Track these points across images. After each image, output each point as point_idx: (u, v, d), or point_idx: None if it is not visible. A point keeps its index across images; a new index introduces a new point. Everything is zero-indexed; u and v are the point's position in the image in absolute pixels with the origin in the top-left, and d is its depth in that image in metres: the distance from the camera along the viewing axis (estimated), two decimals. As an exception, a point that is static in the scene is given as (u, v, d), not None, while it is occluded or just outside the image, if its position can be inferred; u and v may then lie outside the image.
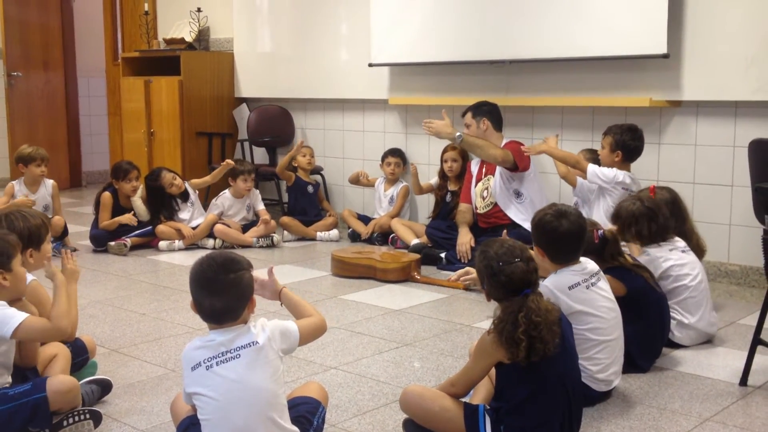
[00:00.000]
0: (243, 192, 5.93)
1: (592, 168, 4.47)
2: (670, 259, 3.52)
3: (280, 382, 2.28)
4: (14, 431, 2.53)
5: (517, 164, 4.87)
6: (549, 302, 2.40)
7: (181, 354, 2.28)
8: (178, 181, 5.80)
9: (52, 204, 5.63)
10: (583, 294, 2.82)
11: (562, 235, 2.79)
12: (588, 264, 2.90)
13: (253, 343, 2.24)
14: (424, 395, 2.53)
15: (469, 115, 5.10)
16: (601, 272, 2.94)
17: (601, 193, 4.48)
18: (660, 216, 3.55)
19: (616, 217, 3.62)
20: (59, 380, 2.59)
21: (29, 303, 2.73)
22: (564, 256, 2.85)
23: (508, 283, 2.38)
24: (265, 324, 2.31)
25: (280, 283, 2.57)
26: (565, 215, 2.81)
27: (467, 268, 2.96)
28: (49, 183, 5.66)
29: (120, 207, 5.69)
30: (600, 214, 4.37)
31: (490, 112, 5.09)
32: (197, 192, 5.99)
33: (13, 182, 5.63)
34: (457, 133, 4.92)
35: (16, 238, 2.70)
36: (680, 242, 3.61)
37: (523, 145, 4.95)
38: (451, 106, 5.76)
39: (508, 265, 2.38)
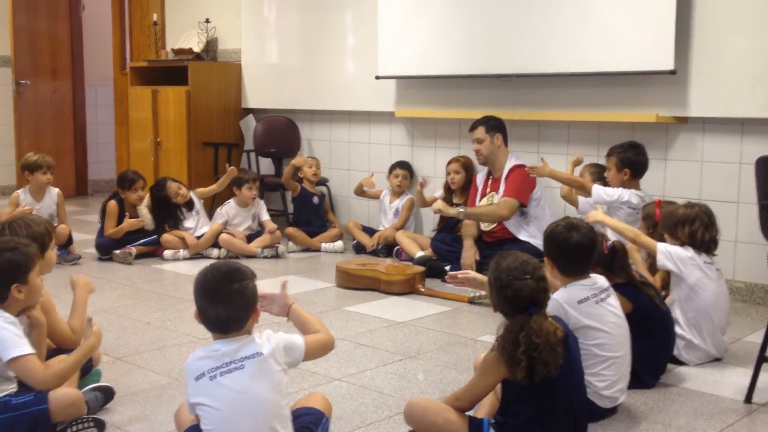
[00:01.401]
0: (248, 201, 5.93)
1: (596, 189, 4.45)
2: (701, 273, 3.51)
3: (283, 393, 2.28)
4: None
5: (523, 203, 4.91)
6: (553, 323, 2.39)
7: (184, 363, 2.28)
8: (183, 190, 5.81)
9: (57, 212, 5.63)
10: (592, 309, 2.81)
11: (572, 247, 2.81)
12: (598, 279, 2.91)
13: (257, 354, 2.23)
14: (428, 408, 2.52)
15: (482, 129, 5.09)
16: (612, 288, 2.94)
17: (607, 214, 4.45)
18: (715, 228, 3.57)
19: (668, 217, 3.62)
20: (63, 393, 2.58)
21: (41, 312, 2.74)
22: (574, 269, 2.86)
23: (515, 299, 2.38)
24: (271, 336, 2.30)
25: (291, 299, 2.54)
26: (575, 228, 2.83)
27: (468, 271, 2.95)
28: (54, 191, 5.65)
29: (126, 216, 5.70)
30: (608, 234, 4.36)
31: (501, 128, 5.11)
32: (203, 201, 6.00)
33: (18, 191, 5.62)
34: (460, 209, 4.98)
35: (36, 249, 2.70)
36: (715, 262, 3.62)
37: (523, 170, 4.96)
38: (457, 120, 5.78)
39: (518, 281, 2.37)
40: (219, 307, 2.22)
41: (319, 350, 2.45)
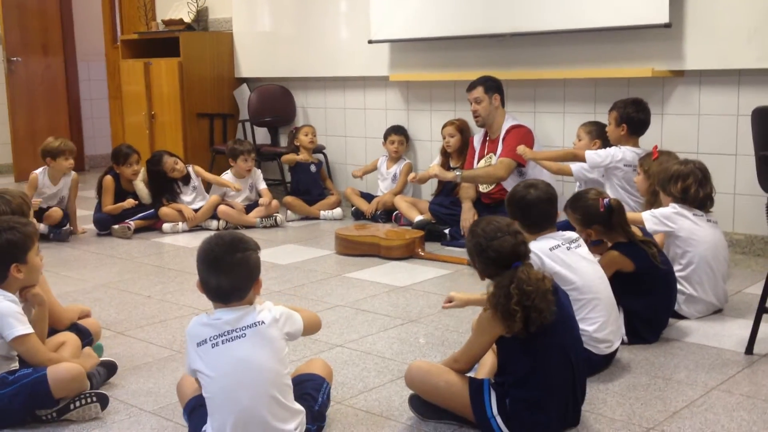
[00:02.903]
0: (244, 172, 5.91)
1: (588, 154, 4.44)
2: (691, 222, 3.53)
3: (284, 363, 2.28)
4: (18, 414, 2.55)
5: (521, 163, 4.87)
6: (540, 272, 2.42)
7: (186, 328, 2.29)
8: (180, 165, 5.79)
9: (68, 196, 5.55)
10: (564, 255, 2.87)
11: (532, 203, 2.91)
12: (567, 233, 2.98)
13: (258, 322, 2.24)
14: (429, 371, 2.53)
15: (480, 89, 5.04)
16: (581, 240, 3.00)
17: (607, 177, 4.44)
18: (709, 185, 3.59)
19: (661, 172, 3.64)
20: (64, 368, 2.59)
21: (42, 290, 2.75)
22: (538, 225, 2.92)
23: (498, 258, 2.41)
24: (271, 306, 2.32)
25: None
26: (533, 185, 2.98)
27: (450, 294, 3.00)
28: (71, 176, 5.53)
29: (122, 190, 5.70)
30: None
31: (499, 88, 5.07)
32: (200, 177, 5.96)
33: (37, 172, 5.43)
34: (457, 172, 4.94)
35: (35, 228, 2.72)
36: (711, 216, 3.62)
37: (523, 130, 4.95)
38: (452, 81, 5.74)
39: (496, 240, 2.41)
40: (221, 276, 2.23)
41: (312, 327, 2.49)
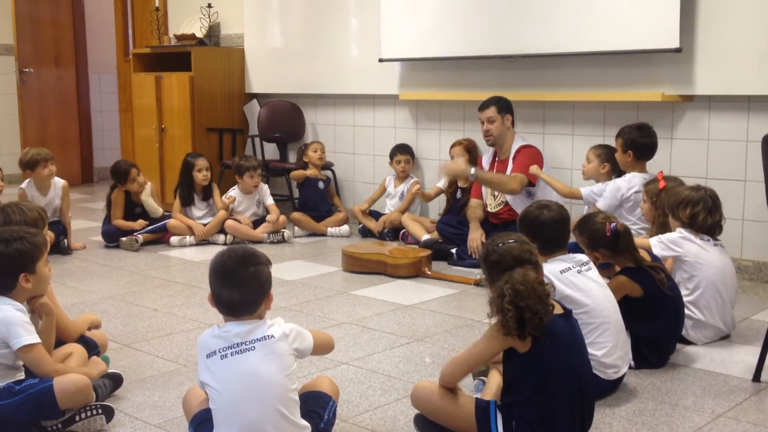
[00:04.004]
0: (250, 188, 5.93)
1: (584, 192, 4.56)
2: (698, 247, 3.53)
3: (292, 378, 2.29)
4: (24, 425, 2.55)
5: (531, 182, 4.88)
6: (540, 277, 2.39)
7: (192, 349, 2.29)
8: (207, 174, 5.87)
9: (59, 206, 5.47)
10: (575, 278, 2.87)
11: (545, 223, 2.91)
12: (577, 255, 2.98)
13: (268, 336, 2.25)
14: (435, 391, 2.52)
15: (494, 109, 5.05)
16: (591, 263, 3.00)
17: (622, 207, 4.46)
18: (719, 212, 3.60)
19: (672, 196, 3.65)
20: (70, 380, 2.58)
21: (48, 300, 2.75)
22: (550, 246, 2.92)
23: (501, 261, 2.39)
24: (282, 322, 2.32)
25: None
26: (546, 206, 2.98)
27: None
28: (59, 184, 5.47)
29: (132, 202, 5.72)
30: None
31: (510, 109, 5.08)
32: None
33: (23, 186, 5.40)
34: (471, 170, 4.93)
35: (44, 238, 2.73)
36: (718, 240, 3.62)
37: (533, 150, 4.98)
38: (462, 101, 5.75)
39: (502, 245, 2.41)
40: (233, 290, 2.24)
41: (323, 347, 2.49)
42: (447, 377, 2.49)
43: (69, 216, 5.57)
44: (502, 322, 2.32)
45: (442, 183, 5.68)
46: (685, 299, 3.45)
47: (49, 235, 5.21)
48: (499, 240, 2.45)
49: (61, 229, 5.43)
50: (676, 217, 3.61)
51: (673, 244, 3.54)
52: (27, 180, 5.43)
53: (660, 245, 3.55)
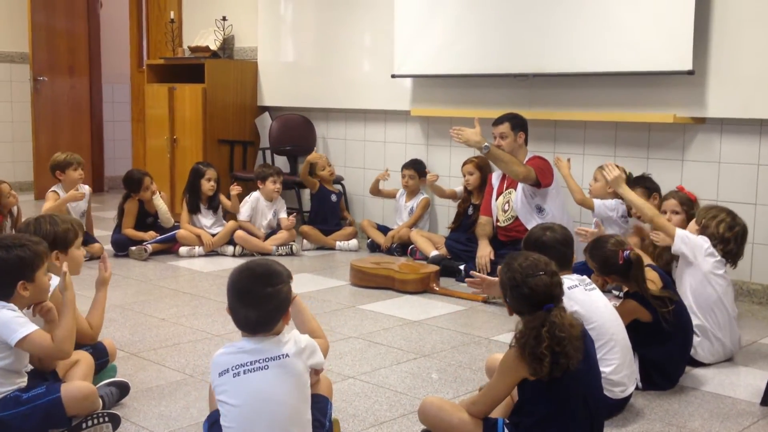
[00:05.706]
0: (272, 194, 5.94)
1: (597, 203, 4.60)
2: (714, 263, 3.53)
3: (304, 396, 2.26)
4: (32, 434, 2.54)
5: (540, 181, 4.86)
6: (571, 316, 2.39)
7: (200, 359, 2.29)
8: (213, 184, 5.87)
9: (86, 210, 5.61)
10: (582, 296, 2.89)
11: (549, 244, 2.95)
12: (582, 276, 3.00)
13: (282, 355, 2.22)
14: (442, 407, 2.52)
15: (507, 125, 5.02)
16: (593, 284, 3.02)
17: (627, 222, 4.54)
18: (743, 246, 3.62)
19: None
20: (76, 387, 2.58)
21: (52, 305, 2.74)
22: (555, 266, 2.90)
23: (531, 296, 2.37)
24: (298, 336, 2.30)
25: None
26: (550, 228, 3.05)
27: (485, 276, 3.03)
28: (86, 188, 5.62)
29: (144, 212, 5.75)
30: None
31: (524, 126, 5.05)
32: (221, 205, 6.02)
33: (54, 189, 5.45)
34: (485, 143, 4.89)
35: (45, 247, 2.68)
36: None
37: (546, 161, 4.95)
38: (473, 118, 5.74)
39: (532, 278, 2.38)
40: (249, 309, 2.21)
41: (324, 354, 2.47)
42: (480, 415, 2.47)
43: (91, 221, 5.73)
44: (532, 365, 2.30)
45: (459, 190, 5.68)
46: (693, 306, 3.46)
47: (95, 248, 5.39)
48: (526, 267, 2.40)
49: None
50: (707, 226, 3.58)
51: (696, 250, 3.51)
52: (56, 185, 5.52)
53: (683, 240, 3.52)
